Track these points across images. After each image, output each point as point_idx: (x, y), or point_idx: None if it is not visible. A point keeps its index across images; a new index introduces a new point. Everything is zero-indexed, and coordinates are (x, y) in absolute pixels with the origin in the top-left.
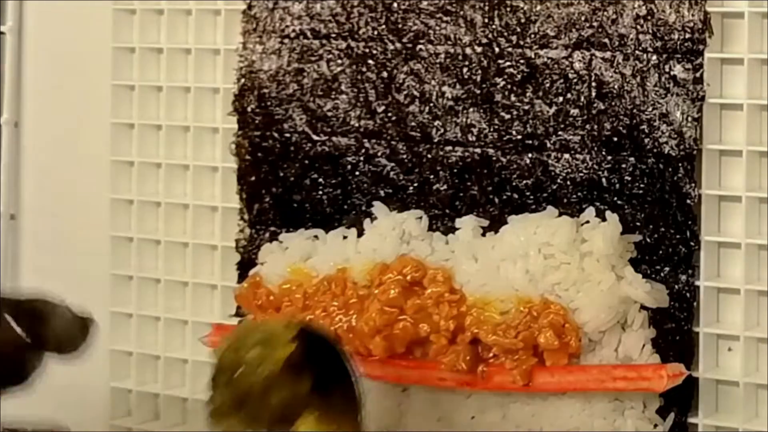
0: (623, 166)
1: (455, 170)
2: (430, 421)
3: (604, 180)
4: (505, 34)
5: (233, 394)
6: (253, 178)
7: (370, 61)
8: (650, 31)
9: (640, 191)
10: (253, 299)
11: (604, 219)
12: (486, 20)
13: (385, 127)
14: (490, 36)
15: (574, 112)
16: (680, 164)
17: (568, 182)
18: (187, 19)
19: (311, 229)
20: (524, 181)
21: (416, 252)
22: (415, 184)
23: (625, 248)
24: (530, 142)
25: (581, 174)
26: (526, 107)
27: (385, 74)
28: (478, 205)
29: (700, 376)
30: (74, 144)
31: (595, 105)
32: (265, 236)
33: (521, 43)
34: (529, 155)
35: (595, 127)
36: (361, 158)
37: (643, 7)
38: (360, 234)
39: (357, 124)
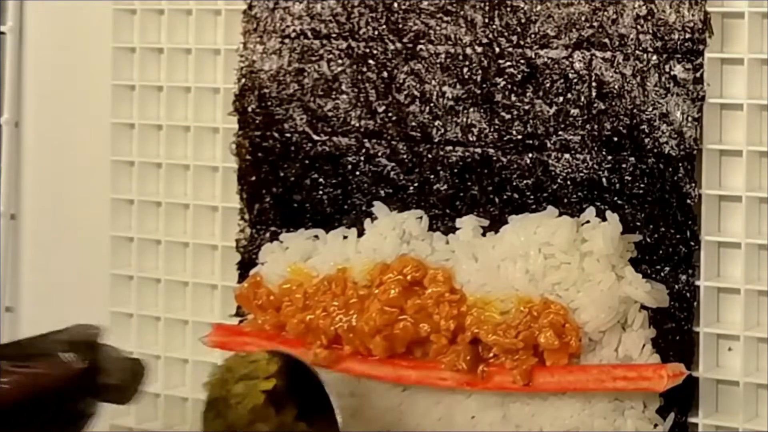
0: (623, 166)
1: (455, 170)
2: (430, 421)
3: (604, 180)
4: (506, 34)
5: (222, 426)
6: (253, 178)
7: (371, 61)
8: (650, 31)
9: (641, 191)
10: (254, 299)
11: (604, 219)
12: (486, 20)
13: (386, 127)
14: (490, 36)
15: (575, 112)
16: (680, 164)
17: (569, 182)
18: (187, 19)
19: (311, 229)
20: (524, 181)
21: (416, 252)
22: (416, 184)
23: (625, 248)
24: (530, 142)
25: (581, 174)
26: (527, 107)
27: (385, 74)
28: (479, 204)
29: (700, 376)
30: (74, 144)
31: (595, 105)
32: (265, 236)
33: (521, 43)
34: (530, 155)
35: (596, 127)
36: (362, 158)
37: (644, 7)
38: (360, 234)
39: (357, 124)
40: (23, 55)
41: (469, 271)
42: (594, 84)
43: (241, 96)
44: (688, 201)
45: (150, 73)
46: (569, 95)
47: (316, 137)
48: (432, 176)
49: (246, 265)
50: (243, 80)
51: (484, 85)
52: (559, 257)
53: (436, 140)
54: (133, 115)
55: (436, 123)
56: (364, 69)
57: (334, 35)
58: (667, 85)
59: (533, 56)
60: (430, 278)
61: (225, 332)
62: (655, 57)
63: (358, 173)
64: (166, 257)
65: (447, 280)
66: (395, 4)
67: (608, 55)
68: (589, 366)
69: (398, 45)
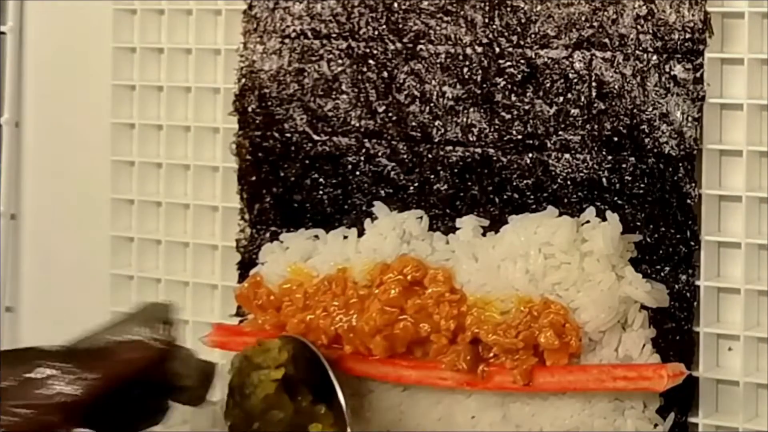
0: (623, 166)
1: (456, 170)
2: (430, 421)
3: (604, 180)
4: (506, 34)
5: (242, 413)
6: (253, 178)
7: (371, 61)
8: (650, 31)
9: (641, 191)
10: (254, 299)
11: (604, 219)
12: (486, 20)
13: (386, 127)
14: (490, 36)
15: (575, 112)
16: (680, 164)
17: (569, 182)
18: (187, 19)
19: (312, 229)
20: (525, 181)
21: (417, 252)
22: (416, 184)
23: (625, 248)
24: (531, 142)
25: (581, 174)
26: (527, 107)
27: (385, 74)
28: (479, 204)
29: (700, 376)
30: (74, 144)
31: (595, 105)
32: (265, 236)
33: (522, 43)
34: (530, 155)
35: (596, 127)
36: (362, 158)
37: (644, 7)
38: (360, 234)
39: (357, 124)
40: (23, 55)
41: (469, 271)
42: (594, 84)
43: (241, 96)
44: (688, 201)
45: (150, 73)
46: (569, 95)
47: (316, 137)
48: (432, 176)
49: (246, 265)
50: (243, 80)
51: (484, 85)
52: (559, 257)
53: (436, 140)
54: (133, 115)
55: (436, 123)
56: (364, 69)
57: (334, 35)
58: (667, 85)
59: (533, 56)
60: (430, 278)
61: (225, 332)
62: (655, 57)
63: (358, 173)
64: (166, 257)
65: (447, 280)
66: (395, 4)
67: (608, 55)
68: (589, 366)
69: (398, 45)
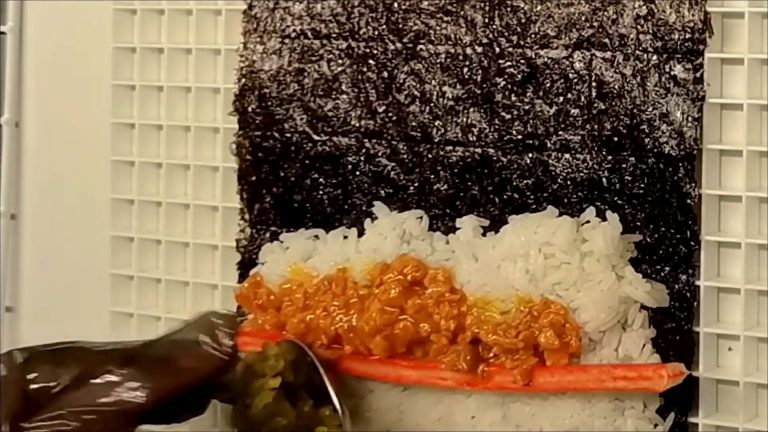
0: (623, 166)
1: (456, 170)
2: (430, 421)
3: (604, 180)
4: (506, 34)
5: (247, 421)
6: (253, 178)
7: (371, 61)
8: (650, 31)
9: (641, 191)
10: (254, 299)
11: (604, 219)
12: (486, 20)
13: (386, 127)
14: (490, 36)
15: (575, 112)
16: (680, 164)
17: (569, 182)
18: (187, 19)
19: (312, 229)
20: (525, 181)
21: (417, 252)
22: (416, 184)
23: (625, 248)
24: (531, 142)
25: (582, 174)
26: (527, 107)
27: (385, 74)
28: (479, 204)
29: (700, 376)
30: (74, 144)
31: (595, 105)
32: (265, 236)
33: (522, 43)
34: (530, 155)
35: (596, 127)
36: (362, 158)
37: (644, 7)
38: (360, 234)
39: (357, 124)
40: (23, 55)
41: (469, 271)
42: (594, 84)
43: (241, 96)
44: (688, 201)
45: (150, 73)
46: (569, 95)
47: (316, 137)
48: (432, 176)
49: (246, 265)
50: (243, 80)
51: (484, 85)
52: (559, 257)
53: (436, 140)
54: (133, 115)
55: (436, 123)
56: (364, 69)
57: (334, 35)
58: (667, 85)
59: (533, 56)
60: (430, 278)
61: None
62: (655, 57)
63: (358, 173)
64: (166, 257)
65: (447, 280)
66: (395, 4)
67: (608, 55)
68: (589, 366)
69: (398, 45)
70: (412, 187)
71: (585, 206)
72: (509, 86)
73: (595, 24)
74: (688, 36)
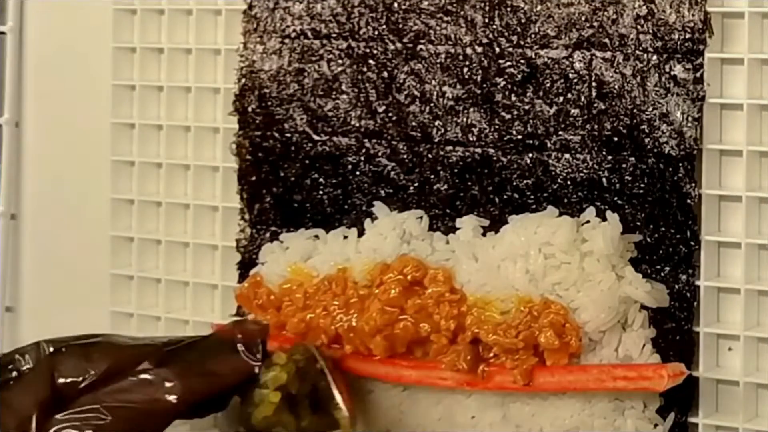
0: (623, 166)
1: (456, 170)
2: (430, 421)
3: (604, 180)
4: (506, 34)
5: (247, 427)
6: (253, 178)
7: (371, 61)
8: (650, 31)
9: (641, 191)
10: (254, 299)
11: (604, 219)
12: (486, 20)
13: (386, 127)
14: (490, 36)
15: (575, 112)
16: (680, 164)
17: (569, 182)
18: (187, 19)
19: (312, 229)
20: (525, 181)
21: (417, 252)
22: (416, 184)
23: (625, 248)
24: (531, 142)
25: (582, 174)
26: (527, 107)
27: (385, 74)
28: (479, 204)
29: (700, 376)
30: (74, 144)
31: (595, 105)
32: (265, 236)
33: (522, 43)
34: (530, 155)
35: (596, 127)
36: (362, 158)
37: (644, 7)
38: (360, 234)
39: (357, 124)
40: (23, 55)
41: (469, 271)
42: (594, 84)
43: (241, 96)
44: (688, 201)
45: (150, 73)
46: (569, 95)
47: (316, 137)
48: (432, 176)
49: (246, 265)
50: (243, 80)
51: (484, 85)
52: (559, 257)
53: (436, 140)
54: (133, 115)
55: (436, 123)
56: (364, 69)
57: (334, 35)
58: (667, 85)
59: (533, 56)
60: (430, 278)
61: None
62: (655, 57)
63: (358, 173)
64: (166, 257)
65: (447, 280)
66: (395, 4)
67: (608, 55)
68: (589, 366)
69: (398, 45)
70: (412, 187)
71: (585, 206)
72: (509, 86)
73: (595, 24)
74: (688, 36)
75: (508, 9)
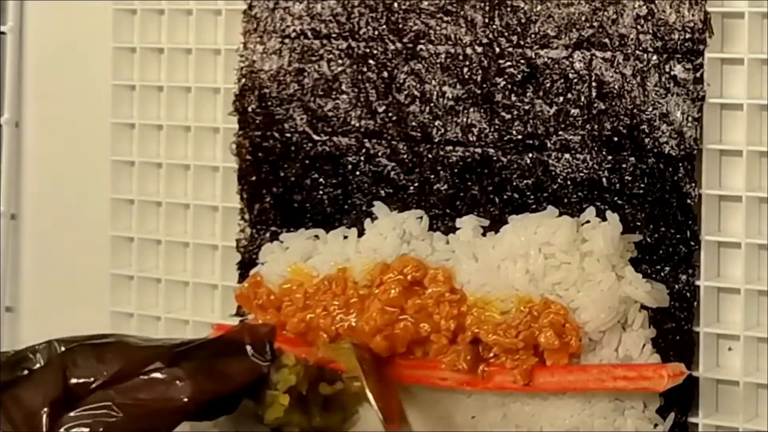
0: (623, 166)
1: (456, 170)
2: (430, 421)
3: (604, 180)
4: (506, 34)
5: (259, 426)
6: (253, 178)
7: (371, 61)
8: (650, 31)
9: (641, 191)
10: (254, 299)
11: (604, 219)
12: (486, 20)
13: (386, 127)
14: (490, 36)
15: (575, 112)
16: (680, 164)
17: (569, 182)
18: (187, 19)
19: (312, 229)
20: (525, 181)
21: (417, 252)
22: (416, 184)
23: (625, 248)
24: (531, 142)
25: (582, 174)
26: (527, 107)
27: (385, 74)
28: (479, 204)
29: (700, 376)
30: (74, 144)
31: (595, 105)
32: (265, 236)
33: (522, 43)
34: (530, 155)
35: (596, 127)
36: (362, 158)
37: (644, 7)
38: (360, 234)
39: (357, 124)
40: (23, 55)
41: (470, 271)
42: (594, 84)
43: (241, 96)
44: (688, 201)
45: (150, 73)
46: (569, 95)
47: (316, 137)
48: (432, 176)
49: (246, 265)
50: (243, 80)
51: (484, 85)
52: (559, 257)
53: (436, 140)
54: (133, 115)
55: (436, 123)
56: (365, 69)
57: (334, 35)
58: (667, 85)
59: (533, 56)
60: (430, 278)
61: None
62: (655, 57)
63: (358, 173)
64: (166, 257)
65: (447, 280)
66: (395, 4)
67: (608, 55)
68: (589, 366)
69: (398, 45)
70: (412, 187)
71: (585, 206)
72: (509, 86)
73: (595, 24)
74: (688, 36)
75: (508, 9)
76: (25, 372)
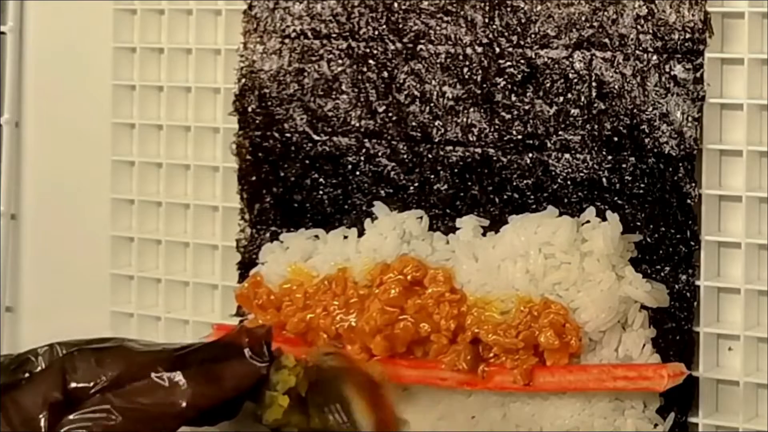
0: (623, 165)
1: (456, 170)
2: (430, 421)
3: (604, 180)
4: (506, 34)
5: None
6: (253, 178)
7: (371, 61)
8: (650, 31)
9: (641, 191)
10: (254, 299)
11: (604, 219)
12: (486, 20)
13: (386, 127)
14: (490, 36)
15: (575, 112)
16: (680, 164)
17: (569, 182)
18: (187, 18)
19: (312, 229)
20: (525, 181)
21: (417, 252)
22: (416, 184)
23: (625, 248)
24: (531, 142)
25: (582, 174)
26: (527, 107)
27: (385, 74)
28: (479, 204)
29: (700, 376)
30: (74, 144)
31: (595, 105)
32: (265, 236)
33: (522, 43)
34: (530, 155)
35: (596, 127)
36: (362, 158)
37: (644, 7)
38: (360, 234)
39: (358, 124)
40: (23, 55)
41: (470, 271)
42: (594, 84)
43: (241, 96)
44: (688, 201)
45: (150, 73)
46: (569, 95)
47: (316, 137)
48: (432, 176)
49: (246, 264)
50: (243, 80)
51: (484, 85)
52: (559, 257)
53: (436, 140)
54: (133, 115)
55: (436, 123)
56: (365, 69)
57: (334, 35)
58: (667, 85)
59: (533, 56)
60: (430, 278)
61: (225, 332)
62: (655, 57)
63: (358, 173)
64: (166, 257)
65: (447, 280)
66: (395, 4)
67: (608, 55)
68: (589, 366)
69: (398, 45)
70: (412, 187)
71: (585, 206)
72: (509, 86)
73: (595, 24)
74: (688, 36)
75: (508, 9)
76: (27, 375)
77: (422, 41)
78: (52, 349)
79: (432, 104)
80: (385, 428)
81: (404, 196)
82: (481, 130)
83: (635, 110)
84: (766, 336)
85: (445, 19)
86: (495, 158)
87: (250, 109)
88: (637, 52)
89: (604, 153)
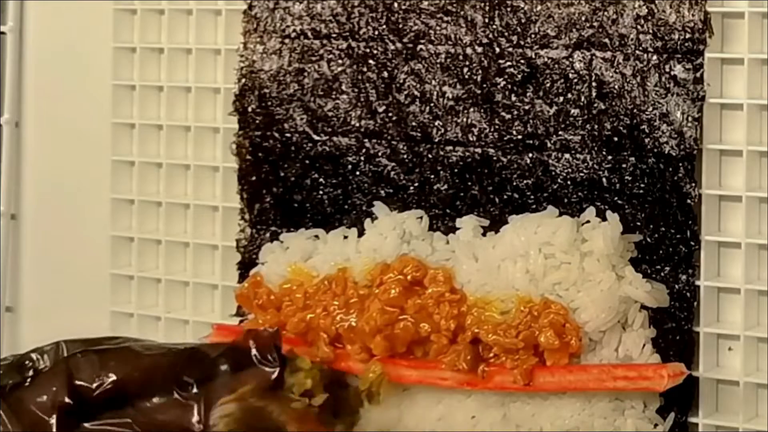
0: (623, 165)
1: (456, 170)
2: (430, 421)
3: (604, 180)
4: (506, 34)
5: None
6: (253, 178)
7: (371, 61)
8: (650, 31)
9: (641, 191)
10: (254, 299)
11: (604, 219)
12: (486, 20)
13: (386, 127)
14: (490, 36)
15: (575, 112)
16: (680, 164)
17: (569, 182)
18: (187, 18)
19: (312, 229)
20: (525, 181)
21: (417, 252)
22: (416, 184)
23: (625, 248)
24: (531, 142)
25: (582, 174)
26: (527, 107)
27: (385, 74)
28: (479, 204)
29: (700, 376)
30: (74, 144)
31: (595, 105)
32: (265, 236)
33: (522, 43)
34: (530, 155)
35: (596, 126)
36: (362, 158)
37: (644, 7)
38: (361, 234)
39: (358, 124)
40: (23, 55)
41: (470, 271)
42: (594, 84)
43: (241, 96)
44: (688, 201)
45: (150, 73)
46: (569, 95)
47: (316, 137)
48: (432, 176)
49: (246, 264)
50: (243, 80)
51: (484, 85)
52: (559, 257)
53: (436, 140)
54: (133, 114)
55: (436, 123)
56: (365, 69)
57: (334, 35)
58: (667, 85)
59: (533, 56)
60: (430, 278)
61: (225, 332)
62: (655, 57)
63: (358, 173)
64: (166, 257)
65: (447, 280)
66: (395, 4)
67: (608, 55)
68: (589, 365)
69: (398, 45)
70: (412, 187)
71: (585, 206)
72: (509, 86)
73: (595, 24)
74: (688, 36)
75: (508, 9)
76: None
77: (422, 41)
78: (58, 347)
79: (432, 104)
80: None
81: (404, 196)
82: (481, 130)
83: (635, 110)
84: (766, 336)
85: (445, 19)
86: (495, 158)
87: (250, 109)
88: (637, 52)
89: (604, 153)
